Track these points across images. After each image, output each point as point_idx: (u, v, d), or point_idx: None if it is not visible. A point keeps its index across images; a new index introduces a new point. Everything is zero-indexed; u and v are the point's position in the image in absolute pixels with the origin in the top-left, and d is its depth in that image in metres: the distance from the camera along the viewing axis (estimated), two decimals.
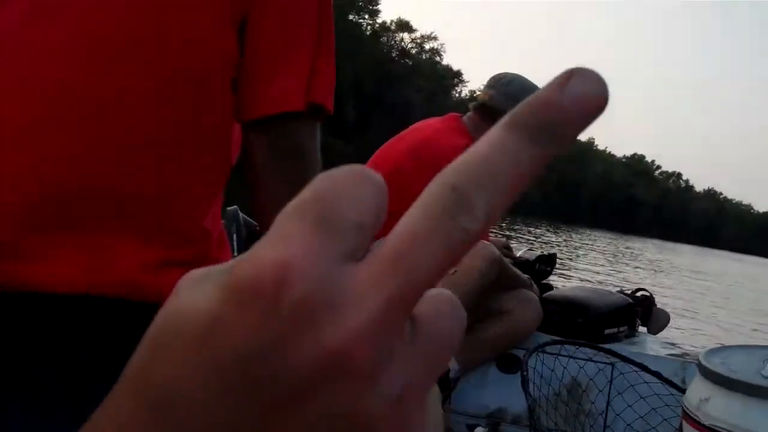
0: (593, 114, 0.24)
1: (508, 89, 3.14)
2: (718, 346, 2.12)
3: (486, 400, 3.02)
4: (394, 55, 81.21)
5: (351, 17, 71.90)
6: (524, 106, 0.24)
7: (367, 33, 75.16)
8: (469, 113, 3.20)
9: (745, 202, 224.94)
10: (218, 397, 0.22)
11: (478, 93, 3.45)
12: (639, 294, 3.49)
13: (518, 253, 3.43)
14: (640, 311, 3.38)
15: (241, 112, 1.12)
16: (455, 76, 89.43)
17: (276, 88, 1.12)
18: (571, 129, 0.24)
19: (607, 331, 3.15)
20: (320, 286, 0.22)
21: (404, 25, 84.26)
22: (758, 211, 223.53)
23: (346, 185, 0.23)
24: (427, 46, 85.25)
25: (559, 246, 23.32)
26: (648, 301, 3.44)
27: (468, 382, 2.99)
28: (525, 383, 2.65)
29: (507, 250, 3.41)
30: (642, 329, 3.44)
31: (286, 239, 0.22)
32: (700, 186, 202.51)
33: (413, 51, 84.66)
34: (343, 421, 0.22)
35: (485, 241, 2.91)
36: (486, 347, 2.98)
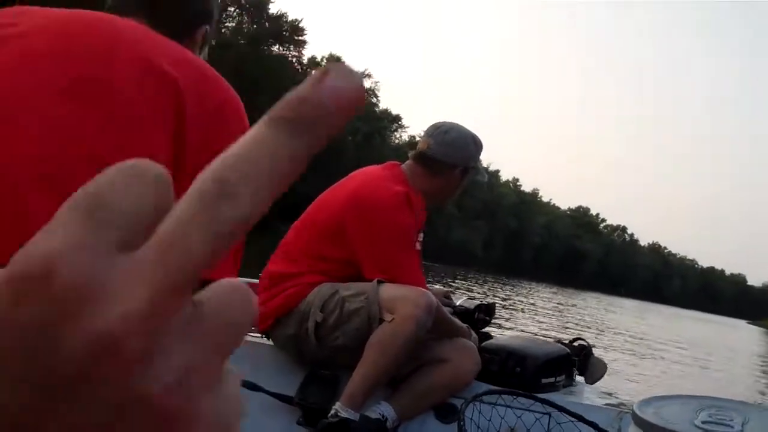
0: (348, 108, 0.27)
1: (445, 138, 3.28)
2: (653, 396, 2.24)
3: None
4: None
5: (275, 48, 68.33)
6: (282, 103, 0.27)
7: (296, 67, 70.43)
8: (408, 161, 3.32)
9: (689, 256, 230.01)
10: (3, 386, 0.24)
11: (418, 138, 3.58)
12: (576, 343, 3.60)
13: (457, 302, 3.52)
14: (578, 361, 3.50)
15: None
16: (394, 121, 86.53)
17: None
18: (328, 123, 0.27)
19: (544, 381, 3.25)
20: (87, 275, 0.24)
21: (336, 61, 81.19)
22: (702, 266, 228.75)
23: (122, 177, 0.26)
24: None
25: (501, 300, 23.52)
26: (585, 351, 3.55)
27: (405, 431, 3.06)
28: None
29: (446, 299, 3.51)
30: (579, 379, 3.56)
31: (56, 232, 0.24)
32: (644, 240, 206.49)
33: None
34: (124, 405, 0.24)
35: (423, 290, 3.01)
36: (424, 396, 3.06)
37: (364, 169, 3.40)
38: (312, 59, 76.22)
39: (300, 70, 70.66)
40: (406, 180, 3.23)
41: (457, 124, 3.38)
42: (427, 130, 3.38)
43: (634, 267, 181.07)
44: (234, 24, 61.31)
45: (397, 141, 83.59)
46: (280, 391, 3.04)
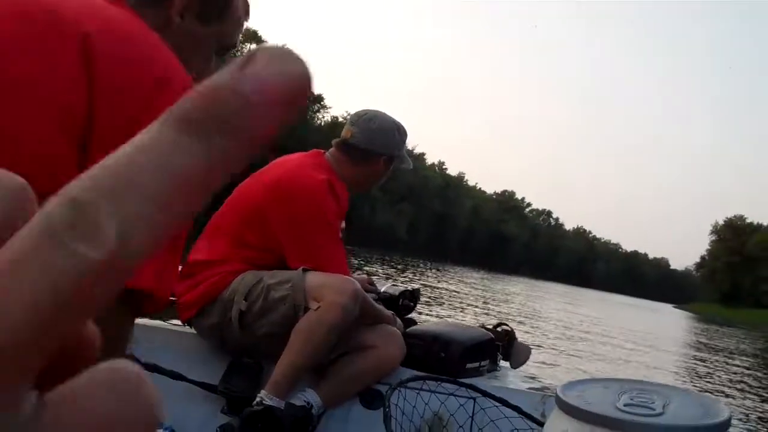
0: (283, 101, 0.20)
1: (370, 126, 3.33)
2: (577, 379, 2.33)
3: None
4: None
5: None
6: (191, 95, 0.20)
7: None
8: (331, 149, 3.36)
9: (613, 241, 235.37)
10: None
11: (341, 120, 3.60)
12: (500, 328, 3.70)
13: (382, 289, 3.57)
14: (502, 345, 3.60)
15: None
16: (317, 101, 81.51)
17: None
18: (253, 122, 0.20)
19: (468, 366, 3.33)
20: None
21: (251, 35, 72.09)
22: (626, 250, 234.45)
23: None
24: None
25: (426, 287, 23.75)
26: (509, 336, 3.65)
27: (331, 418, 3.10)
28: (387, 419, 2.78)
29: (370, 285, 3.57)
30: (504, 363, 3.65)
31: None
32: (569, 224, 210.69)
33: None
34: None
35: (349, 278, 3.06)
36: (349, 383, 3.11)
37: (287, 156, 3.41)
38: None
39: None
40: (330, 168, 3.27)
41: (382, 112, 3.43)
42: (351, 117, 3.43)
43: (560, 251, 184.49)
44: None
45: (319, 122, 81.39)
46: (204, 379, 3.06)
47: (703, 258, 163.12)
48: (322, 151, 3.40)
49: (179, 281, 3.17)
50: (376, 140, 3.33)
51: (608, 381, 2.27)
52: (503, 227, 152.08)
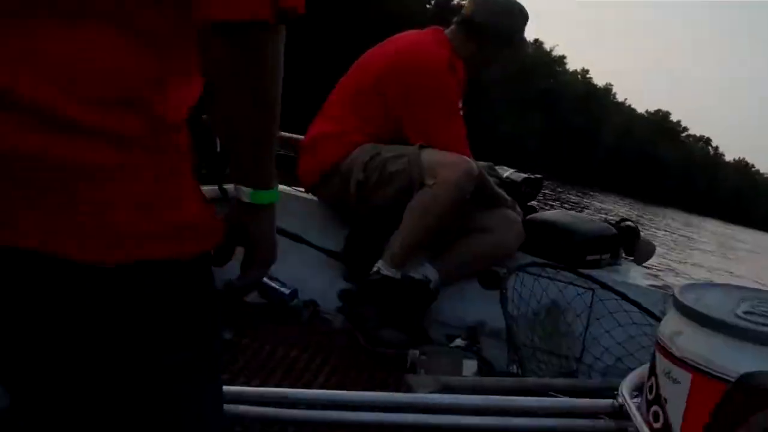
0: None
1: (491, 6, 3.57)
2: (696, 282, 2.49)
3: (466, 313, 3.49)
4: None
5: None
6: None
7: None
8: (451, 27, 3.60)
9: None
10: None
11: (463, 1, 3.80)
12: (624, 224, 3.95)
13: (505, 174, 3.82)
14: (625, 241, 3.86)
15: (202, 9, 1.17)
16: None
17: None
18: None
19: (589, 257, 3.59)
20: None
21: None
22: None
23: None
24: None
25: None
26: (632, 232, 3.90)
27: (449, 295, 3.45)
28: (504, 301, 3.12)
29: (492, 170, 3.84)
30: (626, 259, 3.91)
31: None
32: (730, 155, 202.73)
33: None
34: None
35: (465, 156, 3.31)
36: (466, 264, 3.46)
37: (405, 32, 3.69)
38: None
39: None
40: (450, 45, 3.51)
41: None
42: None
43: (718, 183, 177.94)
44: None
45: None
46: (325, 246, 3.50)
47: None
48: (441, 28, 3.64)
49: (301, 154, 3.58)
50: (497, 19, 3.54)
51: (730, 287, 2.26)
52: (656, 152, 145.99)
